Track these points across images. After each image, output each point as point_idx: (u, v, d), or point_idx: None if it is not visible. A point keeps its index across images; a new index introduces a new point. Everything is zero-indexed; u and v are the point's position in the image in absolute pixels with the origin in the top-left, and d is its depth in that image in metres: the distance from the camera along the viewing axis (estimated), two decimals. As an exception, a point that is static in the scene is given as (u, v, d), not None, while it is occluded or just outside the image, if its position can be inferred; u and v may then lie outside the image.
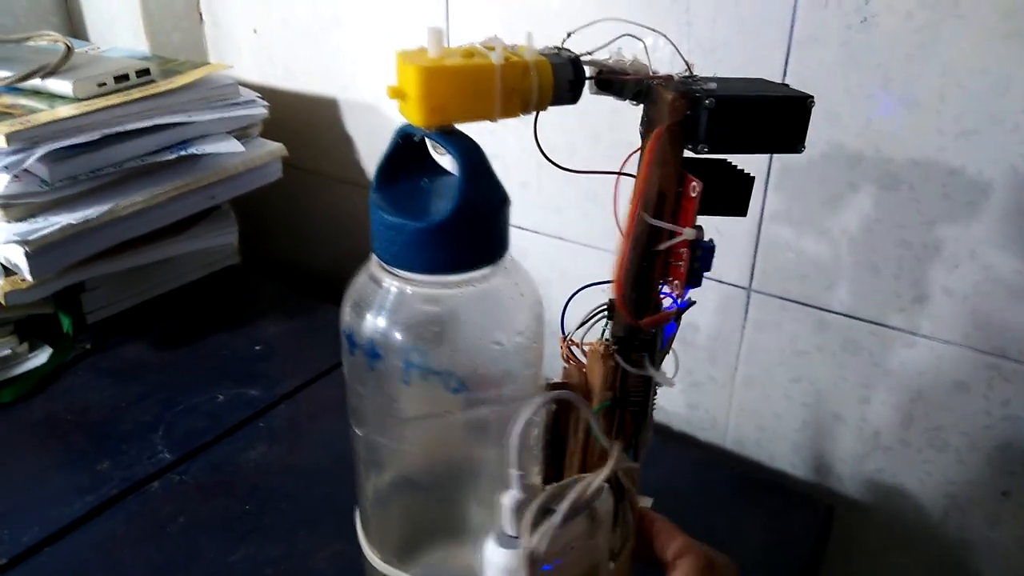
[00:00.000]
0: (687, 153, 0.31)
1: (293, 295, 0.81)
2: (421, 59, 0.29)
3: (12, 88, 0.67)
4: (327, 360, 0.69)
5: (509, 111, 0.31)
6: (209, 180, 0.70)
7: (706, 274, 0.32)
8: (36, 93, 0.66)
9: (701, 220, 0.32)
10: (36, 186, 0.61)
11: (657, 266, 0.32)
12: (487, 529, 0.30)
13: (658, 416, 0.67)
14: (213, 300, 0.79)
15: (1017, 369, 0.50)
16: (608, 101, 0.34)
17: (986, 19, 0.44)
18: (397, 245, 0.32)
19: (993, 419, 0.52)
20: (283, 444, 0.59)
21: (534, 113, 0.32)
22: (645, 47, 0.34)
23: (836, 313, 0.56)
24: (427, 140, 0.34)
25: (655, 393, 0.37)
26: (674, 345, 0.36)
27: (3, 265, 0.63)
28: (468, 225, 0.31)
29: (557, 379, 0.38)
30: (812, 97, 0.30)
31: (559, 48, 0.33)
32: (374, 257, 0.34)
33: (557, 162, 0.35)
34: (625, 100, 0.33)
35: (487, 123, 0.31)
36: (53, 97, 0.65)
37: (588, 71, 0.33)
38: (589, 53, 0.33)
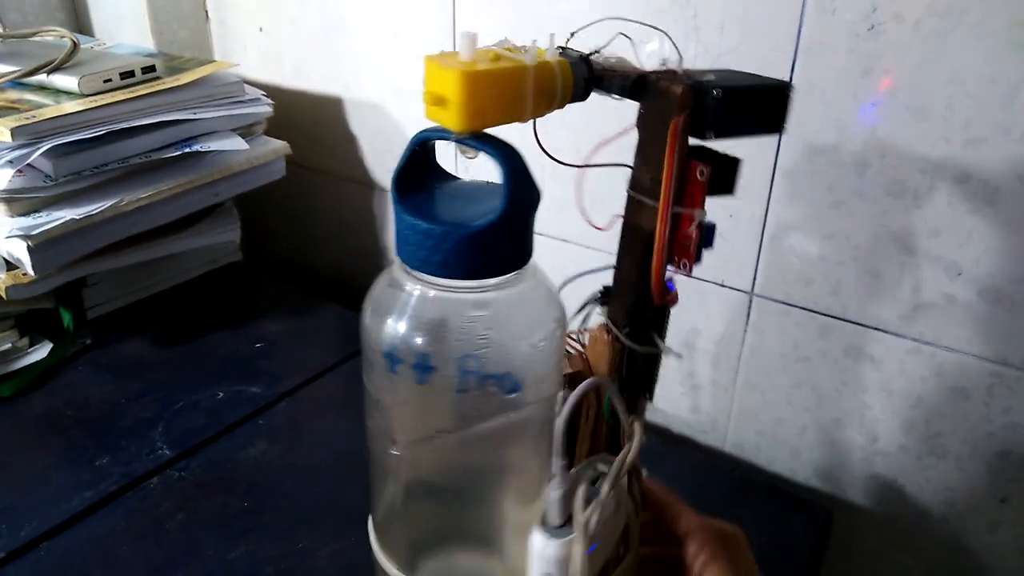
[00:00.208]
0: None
1: (295, 293, 0.81)
2: (457, 63, 0.29)
3: (18, 83, 0.67)
4: (328, 358, 0.69)
5: (537, 111, 0.31)
6: (213, 177, 0.70)
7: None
8: (42, 88, 0.66)
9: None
10: (40, 181, 0.61)
11: (671, 249, 0.34)
12: (526, 526, 0.31)
13: (658, 419, 0.67)
14: (215, 297, 0.79)
15: (1018, 376, 0.50)
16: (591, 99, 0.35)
17: (996, 28, 0.44)
18: (442, 253, 0.31)
19: (993, 426, 0.52)
20: (283, 442, 0.59)
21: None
22: (633, 44, 0.34)
23: (838, 319, 0.56)
24: (432, 145, 0.33)
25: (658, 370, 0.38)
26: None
27: (5, 259, 0.63)
28: (513, 227, 0.31)
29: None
30: (792, 84, 0.33)
31: (562, 48, 0.33)
32: (402, 270, 0.33)
33: (565, 161, 0.35)
34: (611, 95, 0.34)
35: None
36: (58, 93, 0.65)
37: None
38: (593, 53, 0.34)
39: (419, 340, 0.32)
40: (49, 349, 0.67)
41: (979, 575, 0.57)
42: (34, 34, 0.76)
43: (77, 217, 0.61)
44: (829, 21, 0.49)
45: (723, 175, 0.33)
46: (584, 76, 0.32)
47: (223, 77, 0.71)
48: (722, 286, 0.60)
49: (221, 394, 0.64)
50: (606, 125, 0.34)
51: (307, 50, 0.81)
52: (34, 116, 0.59)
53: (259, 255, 0.92)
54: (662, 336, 0.37)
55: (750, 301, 0.59)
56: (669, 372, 0.65)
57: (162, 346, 0.71)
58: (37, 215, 0.61)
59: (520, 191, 0.31)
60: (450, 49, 0.70)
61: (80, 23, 0.92)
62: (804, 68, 0.51)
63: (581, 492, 0.32)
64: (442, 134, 0.31)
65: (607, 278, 0.37)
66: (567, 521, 0.32)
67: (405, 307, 0.33)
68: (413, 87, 0.74)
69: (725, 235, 0.58)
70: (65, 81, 0.64)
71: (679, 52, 0.33)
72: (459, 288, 0.32)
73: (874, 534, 0.60)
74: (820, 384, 0.58)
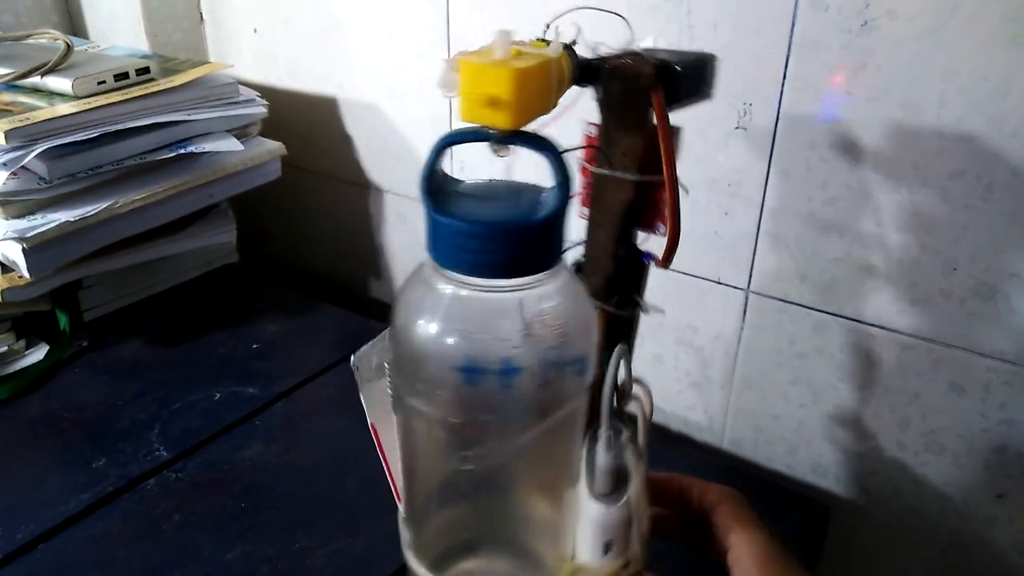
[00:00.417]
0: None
1: (291, 294, 0.81)
2: (503, 62, 0.29)
3: (11, 86, 0.67)
4: (325, 359, 0.69)
5: (554, 103, 0.32)
6: (208, 178, 0.70)
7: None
8: (36, 91, 0.66)
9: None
10: (34, 183, 0.60)
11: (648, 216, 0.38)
12: (556, 525, 0.33)
13: (655, 417, 0.67)
14: (211, 299, 0.78)
15: (1015, 372, 0.50)
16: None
17: (988, 24, 0.44)
18: (508, 252, 0.30)
19: (990, 422, 0.52)
20: (280, 443, 0.59)
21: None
22: (579, 30, 0.35)
23: (834, 315, 0.56)
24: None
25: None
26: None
27: (1, 262, 0.63)
28: (562, 220, 0.31)
29: None
30: (716, 56, 0.37)
31: (540, 39, 0.34)
32: (450, 281, 0.32)
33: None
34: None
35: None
36: (52, 95, 0.65)
37: None
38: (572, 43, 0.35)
39: (501, 344, 0.31)
40: (45, 351, 0.67)
41: (976, 571, 0.57)
42: (28, 36, 0.76)
43: (72, 219, 0.61)
44: (822, 17, 0.49)
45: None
46: (579, 64, 0.33)
47: (218, 78, 0.71)
48: (718, 283, 0.60)
49: (218, 395, 0.64)
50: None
51: (301, 51, 0.81)
52: (28, 118, 0.59)
53: (255, 256, 0.92)
54: (642, 297, 0.40)
55: (746, 298, 0.59)
56: (666, 370, 0.65)
57: (159, 348, 0.71)
58: (32, 217, 0.61)
59: (568, 183, 0.31)
60: (443, 49, 0.70)
61: (74, 25, 0.92)
62: (797, 64, 0.51)
63: (630, 455, 0.33)
64: (473, 135, 0.30)
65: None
66: (615, 488, 0.34)
67: (476, 317, 0.32)
68: (408, 87, 0.74)
69: (721, 233, 0.58)
70: (59, 83, 0.64)
71: (631, 31, 0.36)
72: (523, 285, 0.31)
73: (871, 530, 0.60)
74: (817, 380, 0.59)
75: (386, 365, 0.36)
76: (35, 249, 0.60)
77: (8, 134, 0.58)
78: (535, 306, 0.32)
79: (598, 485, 0.34)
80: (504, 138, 0.30)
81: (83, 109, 0.62)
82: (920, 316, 0.53)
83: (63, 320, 0.70)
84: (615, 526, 0.33)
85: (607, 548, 0.34)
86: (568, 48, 0.33)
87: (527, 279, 0.31)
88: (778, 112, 0.53)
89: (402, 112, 0.76)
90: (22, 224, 0.60)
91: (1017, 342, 0.50)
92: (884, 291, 0.53)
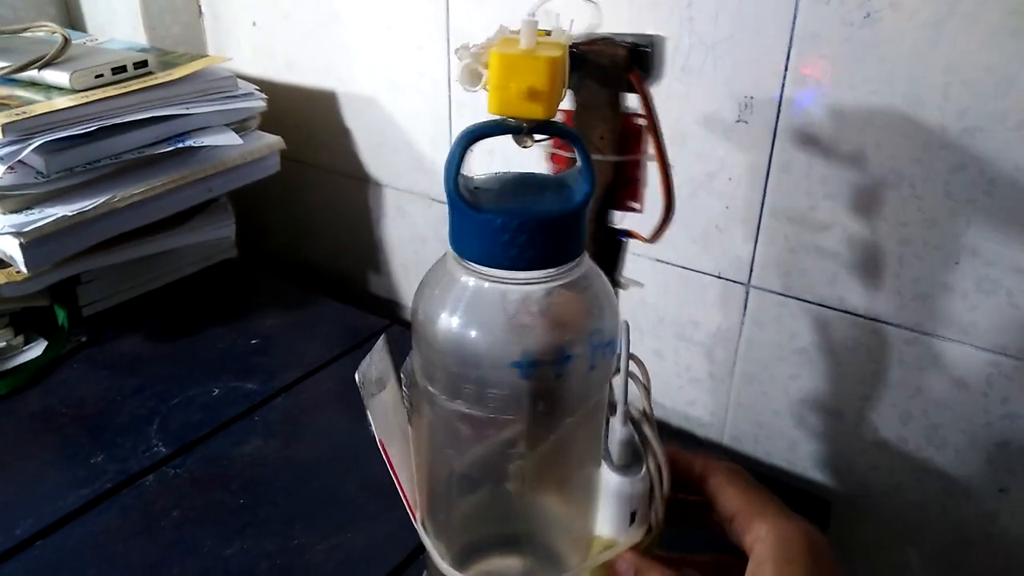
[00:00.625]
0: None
1: (290, 288, 0.80)
2: (528, 52, 0.28)
3: (9, 79, 0.67)
4: (324, 353, 0.68)
5: (565, 93, 0.32)
6: (206, 173, 0.70)
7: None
8: (33, 84, 0.66)
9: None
10: (32, 177, 0.60)
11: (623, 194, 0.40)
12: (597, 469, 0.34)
13: (656, 413, 0.67)
14: (210, 293, 0.78)
15: (1017, 366, 0.50)
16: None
17: (991, 16, 0.44)
18: (553, 242, 0.30)
19: (992, 416, 0.52)
20: (279, 438, 0.59)
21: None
22: (558, 17, 0.34)
23: (835, 309, 0.56)
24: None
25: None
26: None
27: (-2, 257, 0.63)
28: (585, 208, 0.31)
29: None
30: (665, 37, 0.40)
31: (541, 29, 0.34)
32: (488, 280, 0.31)
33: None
34: None
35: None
36: (50, 88, 0.65)
37: None
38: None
39: (554, 335, 0.32)
40: (44, 347, 0.67)
41: (978, 566, 0.57)
42: (25, 30, 0.76)
43: (70, 214, 0.61)
44: (824, 10, 0.49)
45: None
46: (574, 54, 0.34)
47: (216, 72, 0.71)
48: (719, 278, 0.60)
49: (217, 390, 0.64)
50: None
51: (300, 44, 0.80)
52: (25, 112, 0.59)
53: (254, 251, 0.92)
54: (620, 274, 0.43)
55: (747, 293, 0.59)
56: (667, 365, 0.65)
57: (157, 343, 0.71)
58: (29, 212, 0.61)
59: (593, 167, 0.31)
60: (442, 41, 0.69)
61: (72, 18, 0.91)
62: (799, 57, 0.51)
63: (648, 427, 0.34)
64: (497, 128, 0.30)
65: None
66: (634, 459, 0.34)
67: (525, 310, 0.32)
68: (407, 80, 0.73)
69: (721, 227, 0.58)
70: (56, 77, 0.64)
71: (599, 15, 0.37)
72: (563, 272, 0.31)
73: (873, 525, 0.60)
74: (817, 375, 0.58)
75: (402, 376, 0.36)
76: (33, 244, 0.60)
77: (5, 128, 0.57)
78: (577, 292, 0.32)
79: (619, 458, 0.34)
80: (534, 129, 0.30)
81: (81, 103, 0.61)
82: (921, 310, 0.52)
83: (61, 315, 0.70)
84: (639, 496, 0.34)
85: (632, 518, 0.34)
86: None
87: (567, 266, 0.32)
88: (779, 106, 0.53)
89: (401, 105, 0.75)
90: (20, 219, 0.60)
91: (1019, 337, 0.50)
92: (885, 285, 0.53)
